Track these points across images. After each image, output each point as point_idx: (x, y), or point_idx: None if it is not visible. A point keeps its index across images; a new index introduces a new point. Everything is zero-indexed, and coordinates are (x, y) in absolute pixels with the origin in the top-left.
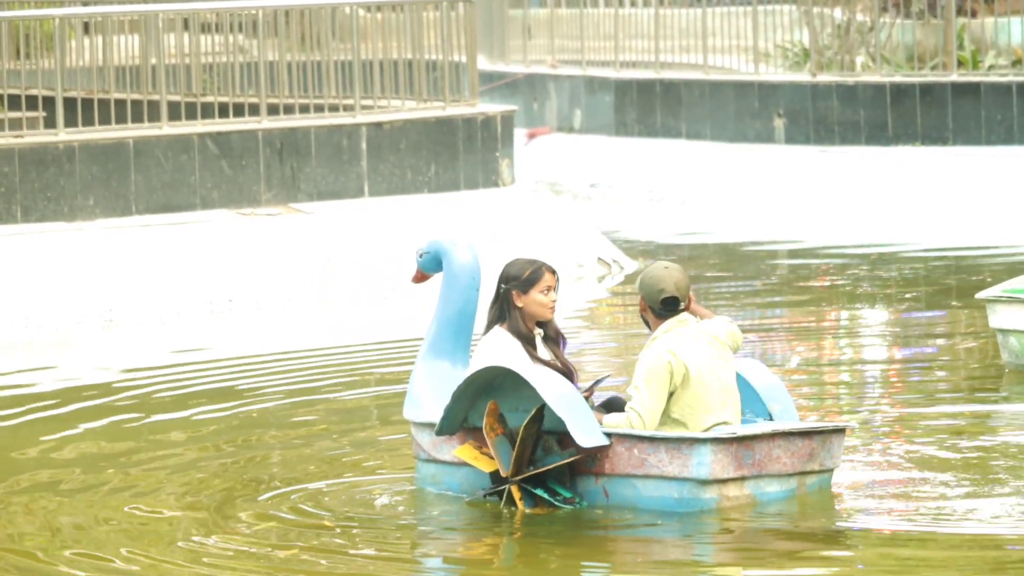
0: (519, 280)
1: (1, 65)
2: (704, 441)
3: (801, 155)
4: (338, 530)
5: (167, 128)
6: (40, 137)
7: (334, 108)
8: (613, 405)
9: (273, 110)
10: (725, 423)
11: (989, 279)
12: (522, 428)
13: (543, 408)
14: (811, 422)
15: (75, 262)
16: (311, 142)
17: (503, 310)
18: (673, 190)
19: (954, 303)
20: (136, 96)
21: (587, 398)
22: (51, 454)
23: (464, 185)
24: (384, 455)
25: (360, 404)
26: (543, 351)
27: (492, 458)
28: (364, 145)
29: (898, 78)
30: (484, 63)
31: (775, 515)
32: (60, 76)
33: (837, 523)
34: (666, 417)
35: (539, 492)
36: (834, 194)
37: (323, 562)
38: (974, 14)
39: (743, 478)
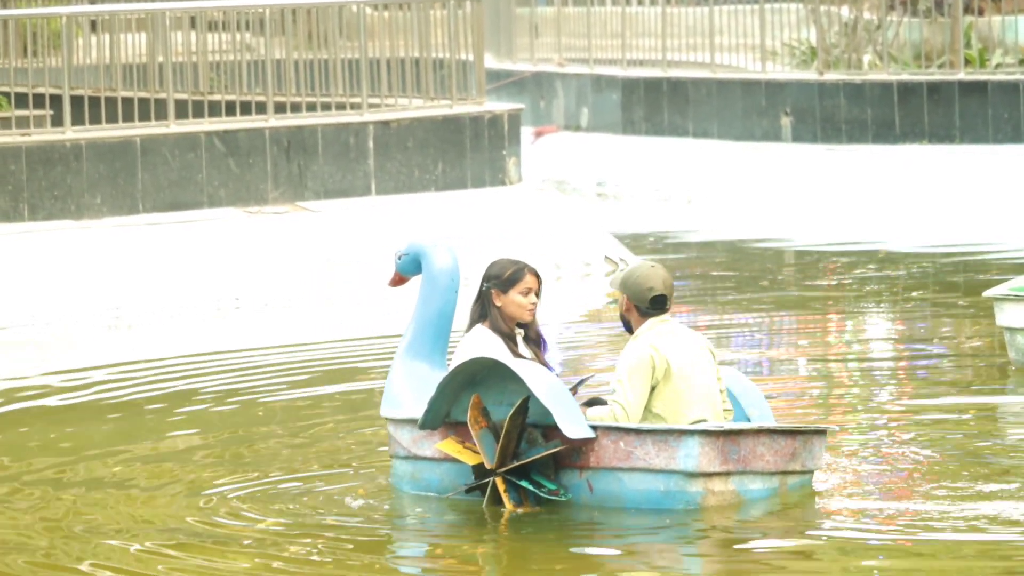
0: (499, 280)
1: (8, 63)
2: (692, 433)
3: (808, 153)
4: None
5: (174, 126)
6: (47, 135)
7: (341, 106)
8: (596, 405)
9: (280, 108)
10: (703, 420)
11: (996, 277)
12: (507, 420)
13: (528, 400)
14: (793, 423)
15: (82, 260)
16: (318, 140)
17: (484, 308)
18: (680, 188)
19: (961, 301)
20: (143, 94)
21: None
22: (53, 449)
23: (471, 183)
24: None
25: (370, 400)
26: (524, 350)
27: (476, 452)
28: (371, 143)
29: (905, 76)
30: (491, 61)
31: (771, 523)
32: (67, 74)
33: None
34: (647, 412)
35: (524, 484)
36: (841, 192)
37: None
38: (981, 12)
39: (728, 473)
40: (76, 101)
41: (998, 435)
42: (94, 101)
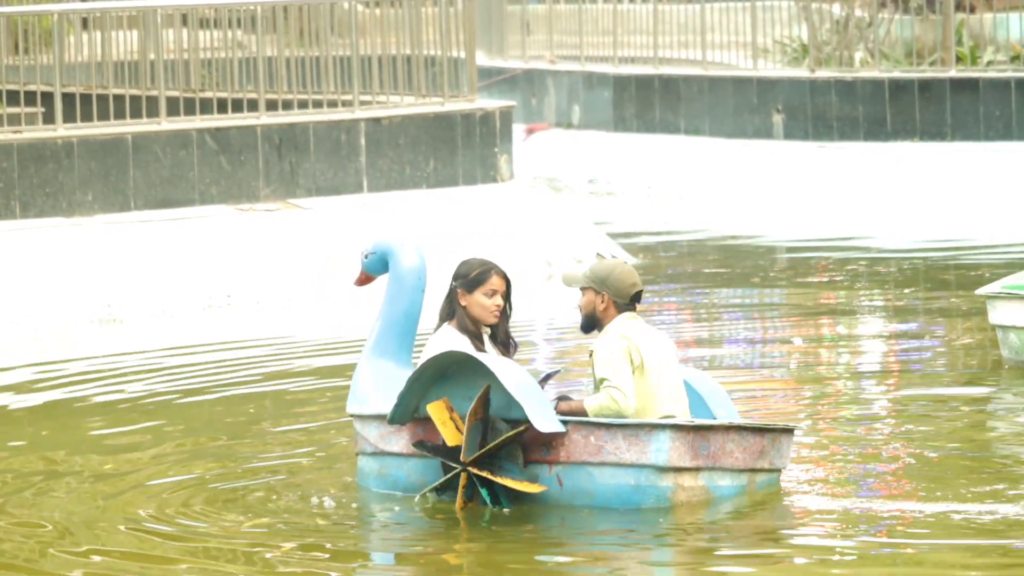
0: (465, 279)
1: (0, 60)
2: (663, 427)
3: (799, 151)
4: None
5: (166, 124)
6: (39, 133)
7: (333, 104)
8: (565, 401)
9: (272, 106)
10: (672, 416)
11: (988, 275)
12: (468, 413)
13: (489, 390)
14: (761, 421)
15: (74, 257)
16: (310, 138)
17: (452, 307)
18: (671, 185)
19: (953, 299)
20: (135, 92)
21: None
22: (47, 445)
23: (463, 181)
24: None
25: None
26: (491, 350)
27: (459, 431)
28: (363, 141)
29: (897, 74)
30: (483, 59)
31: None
32: (59, 71)
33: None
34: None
35: (483, 492)
36: (832, 190)
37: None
38: (972, 10)
39: (698, 469)
40: (67, 98)
41: (989, 434)
42: (85, 98)
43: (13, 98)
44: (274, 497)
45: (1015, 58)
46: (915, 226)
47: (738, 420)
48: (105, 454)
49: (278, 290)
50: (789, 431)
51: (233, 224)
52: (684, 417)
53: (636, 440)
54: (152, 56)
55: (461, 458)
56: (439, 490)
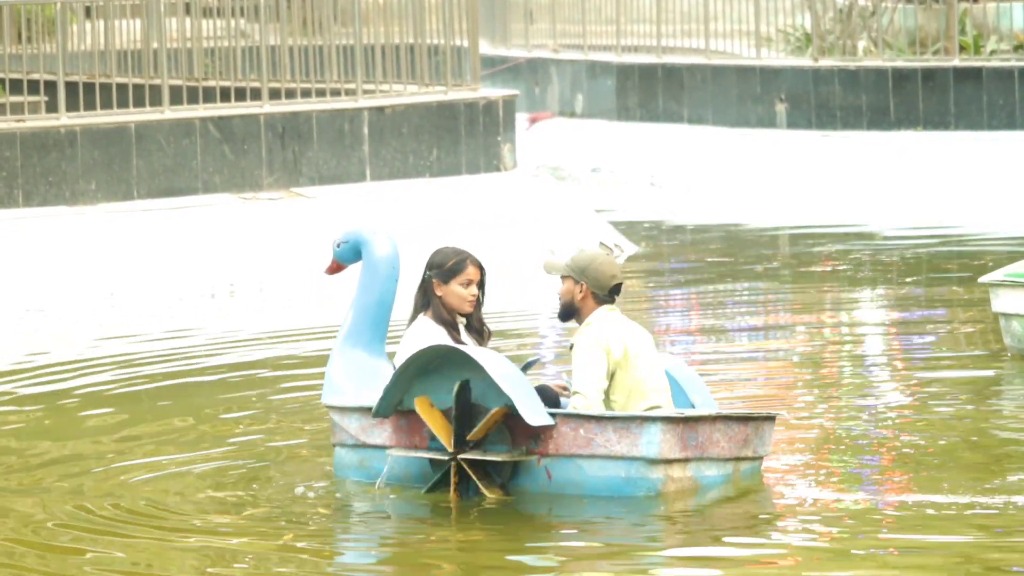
0: (441, 269)
1: (3, 49)
2: (654, 420)
3: (803, 140)
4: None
5: (169, 112)
6: (42, 121)
7: (336, 92)
8: (544, 393)
9: (275, 94)
10: (658, 407)
11: (990, 263)
12: (453, 405)
13: (468, 383)
14: (743, 410)
15: (77, 246)
16: (313, 126)
17: (427, 297)
18: (675, 174)
19: (955, 287)
20: (138, 80)
21: None
22: (47, 434)
23: (466, 169)
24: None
25: None
26: (467, 339)
27: (446, 422)
28: (366, 129)
29: (900, 63)
30: (486, 47)
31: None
32: (62, 60)
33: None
34: (619, 395)
35: (475, 481)
36: (835, 179)
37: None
38: None
39: (686, 460)
40: (71, 87)
41: (992, 423)
42: (89, 87)
43: (16, 87)
44: (254, 485)
45: (1018, 47)
46: (918, 215)
47: (722, 410)
48: (96, 441)
49: (281, 278)
50: (771, 419)
51: (236, 213)
52: (669, 407)
53: (627, 432)
54: (155, 45)
55: (449, 450)
56: (431, 488)
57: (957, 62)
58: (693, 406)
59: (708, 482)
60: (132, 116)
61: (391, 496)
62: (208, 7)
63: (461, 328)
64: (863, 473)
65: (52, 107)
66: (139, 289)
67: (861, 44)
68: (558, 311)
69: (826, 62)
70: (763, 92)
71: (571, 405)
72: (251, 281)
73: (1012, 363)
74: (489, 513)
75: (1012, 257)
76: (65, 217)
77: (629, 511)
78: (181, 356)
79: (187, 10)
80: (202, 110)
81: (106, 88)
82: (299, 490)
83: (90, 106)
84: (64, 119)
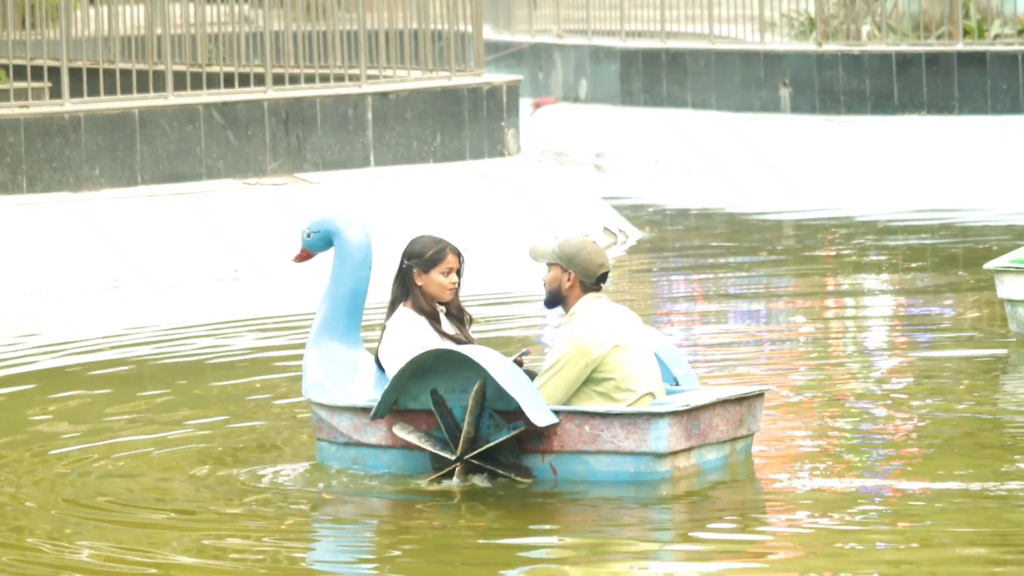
0: (421, 259)
1: (7, 35)
2: (662, 415)
3: (807, 124)
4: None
5: (172, 98)
6: (46, 107)
7: (340, 78)
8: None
9: (279, 80)
10: (650, 393)
11: (995, 248)
12: (469, 408)
13: (484, 385)
14: (735, 388)
15: (81, 232)
16: (317, 112)
17: (406, 287)
18: (679, 159)
19: (960, 272)
20: (142, 66)
21: None
22: (48, 420)
23: (470, 155)
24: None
25: None
26: (447, 327)
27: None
28: (370, 115)
29: (904, 47)
30: (489, 33)
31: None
32: (66, 46)
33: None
34: (606, 383)
35: (491, 467)
36: (840, 163)
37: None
38: None
39: (691, 448)
40: (75, 73)
41: (997, 409)
42: (92, 73)
43: (20, 73)
44: (256, 470)
45: (1022, 31)
46: (922, 199)
47: (695, 385)
48: (90, 427)
49: (285, 264)
50: (761, 395)
51: (240, 198)
52: (661, 392)
53: (635, 428)
54: (159, 31)
55: (456, 452)
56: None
57: (961, 46)
58: (676, 381)
59: (709, 466)
60: (136, 102)
61: (396, 483)
62: None
63: (441, 316)
64: (867, 459)
65: (56, 93)
66: (143, 275)
67: (865, 29)
68: (544, 298)
69: (830, 47)
70: (767, 77)
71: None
72: (255, 266)
73: (1018, 349)
74: (494, 498)
75: (1018, 242)
76: (69, 203)
77: (635, 498)
78: (184, 341)
79: None
80: (206, 96)
81: (110, 74)
82: (320, 486)
83: (94, 92)
84: (68, 105)
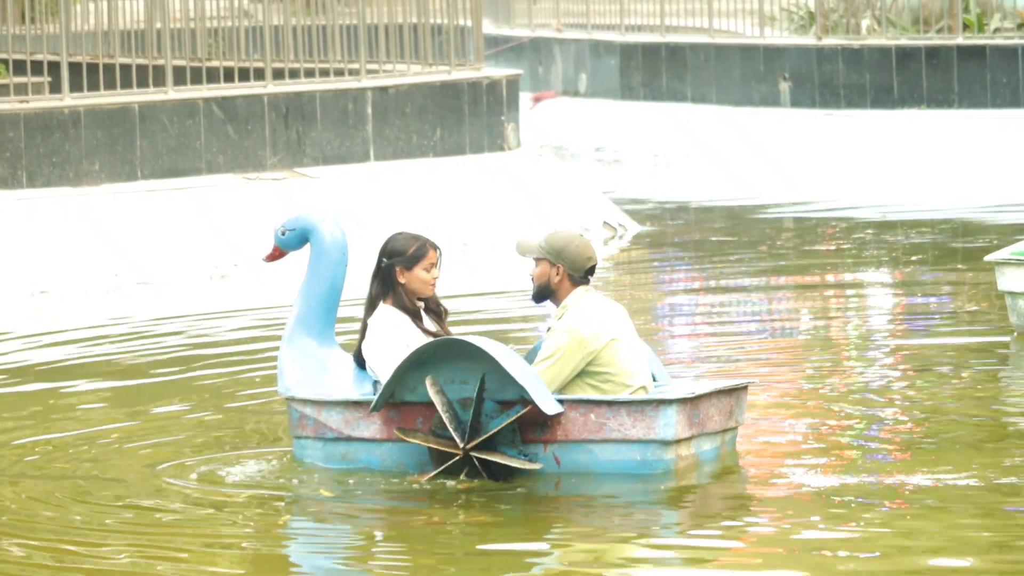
0: (403, 256)
1: (7, 30)
2: (670, 402)
3: (806, 118)
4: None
5: (172, 93)
6: (45, 102)
7: (339, 72)
8: None
9: (278, 74)
10: (644, 388)
11: (995, 241)
12: (476, 400)
13: (485, 377)
14: (721, 380)
15: (80, 227)
16: (316, 106)
17: (387, 285)
18: (678, 153)
19: (960, 266)
20: (141, 61)
21: None
22: (46, 415)
23: (469, 149)
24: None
25: None
26: (428, 323)
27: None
28: (370, 109)
29: (904, 41)
30: (489, 27)
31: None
32: (65, 41)
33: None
34: (601, 376)
35: (496, 458)
36: (839, 157)
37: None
38: None
39: (691, 437)
40: (74, 68)
41: (998, 403)
42: (92, 68)
43: (20, 67)
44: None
45: (1022, 25)
46: (922, 193)
47: (665, 379)
48: (82, 419)
49: (285, 259)
50: (746, 388)
51: (240, 193)
52: (651, 386)
53: (643, 416)
54: (159, 25)
55: (460, 444)
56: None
57: (961, 40)
58: (654, 378)
59: (705, 456)
60: (136, 97)
61: (390, 480)
62: None
63: (421, 312)
64: (866, 454)
65: (56, 88)
66: (143, 270)
67: (865, 23)
68: (532, 293)
69: (830, 41)
70: (767, 71)
71: None
72: (255, 261)
73: (1018, 341)
74: (494, 493)
75: (1018, 235)
76: (69, 198)
77: (637, 492)
78: (183, 335)
79: None
80: (206, 90)
81: (110, 69)
82: (316, 477)
83: (94, 87)
84: (68, 100)
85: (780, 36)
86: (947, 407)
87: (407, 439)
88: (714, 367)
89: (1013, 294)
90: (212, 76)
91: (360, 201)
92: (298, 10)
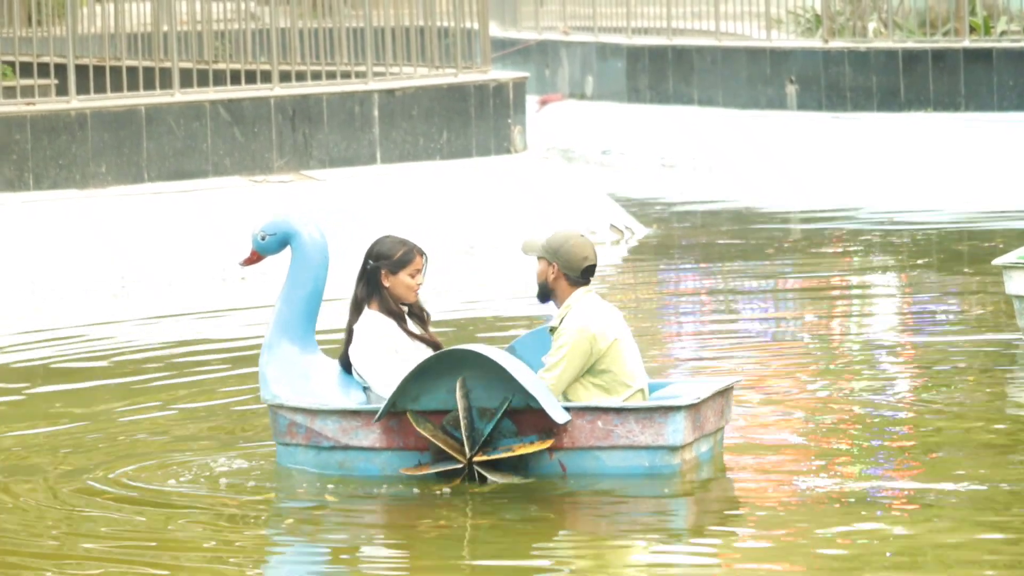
0: (390, 260)
1: (13, 32)
2: (678, 409)
3: (813, 121)
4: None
5: (179, 95)
6: (52, 104)
7: (346, 75)
8: None
9: (285, 77)
10: (642, 391)
11: (1003, 245)
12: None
13: (465, 380)
14: (714, 380)
15: (87, 229)
16: (323, 109)
17: (371, 287)
18: (685, 156)
19: (967, 269)
20: (148, 63)
21: None
22: (48, 417)
23: (476, 152)
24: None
25: None
26: (412, 326)
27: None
28: (376, 112)
29: (910, 44)
30: (496, 30)
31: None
32: (72, 43)
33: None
34: (605, 375)
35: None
36: (846, 160)
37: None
38: None
39: (694, 440)
40: (81, 70)
41: (1005, 406)
42: (99, 70)
43: (26, 70)
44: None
45: None
46: (929, 196)
47: (713, 384)
48: (91, 417)
49: (261, 263)
50: (731, 387)
51: (246, 196)
52: (646, 389)
53: (651, 423)
54: (165, 27)
55: (465, 455)
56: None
57: (967, 43)
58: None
59: (703, 458)
60: (142, 99)
61: (396, 482)
62: None
63: (405, 315)
64: (873, 457)
65: (62, 90)
66: (149, 272)
67: (871, 25)
68: (536, 292)
69: (836, 43)
70: (773, 74)
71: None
72: (261, 263)
73: None
74: (499, 496)
75: (1023, 238)
76: (75, 200)
77: (643, 494)
78: (190, 338)
79: None
80: (212, 93)
81: (116, 71)
82: (317, 485)
83: (100, 89)
84: (74, 102)
85: (787, 39)
86: (954, 410)
87: (418, 428)
88: (708, 367)
89: (1021, 298)
90: (219, 79)
91: (367, 204)
92: (305, 13)
